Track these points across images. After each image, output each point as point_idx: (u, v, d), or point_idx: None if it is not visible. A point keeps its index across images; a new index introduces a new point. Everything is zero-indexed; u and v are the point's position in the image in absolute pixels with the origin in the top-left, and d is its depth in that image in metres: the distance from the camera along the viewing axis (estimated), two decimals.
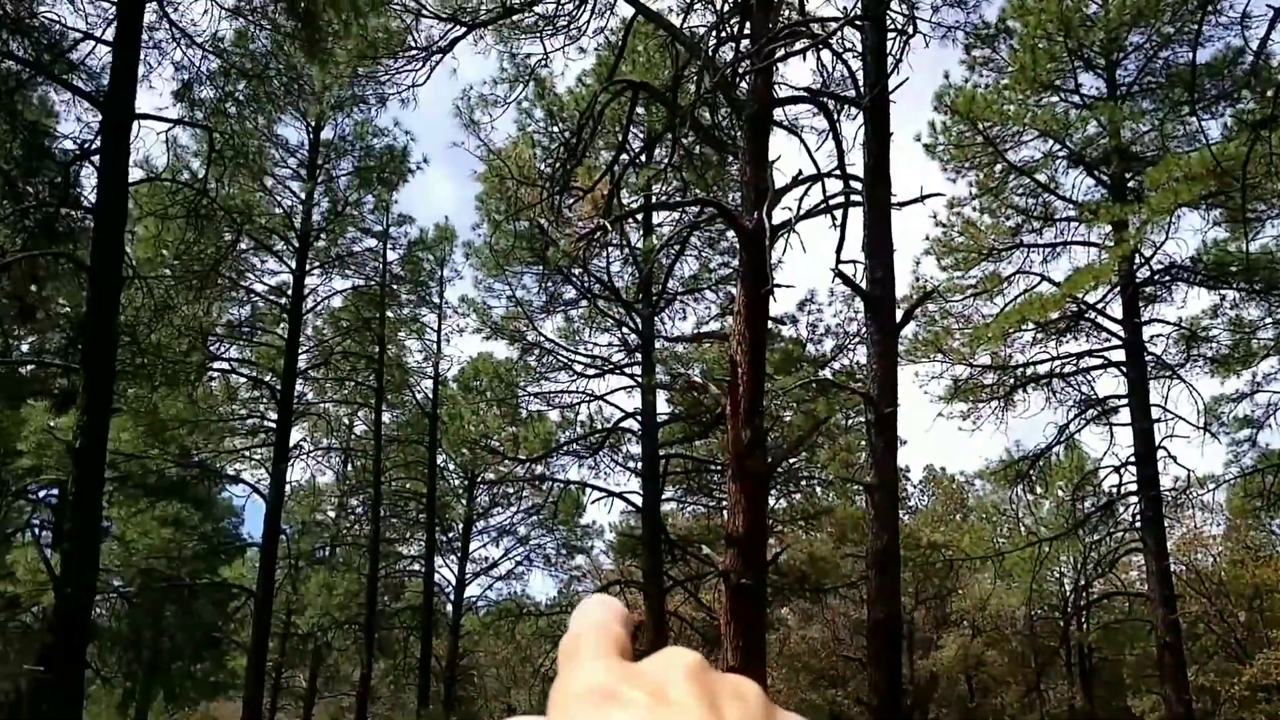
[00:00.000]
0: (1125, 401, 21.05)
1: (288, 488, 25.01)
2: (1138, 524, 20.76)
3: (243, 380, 25.09)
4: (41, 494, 25.87)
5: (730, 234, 19.41)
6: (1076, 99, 21.29)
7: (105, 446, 12.29)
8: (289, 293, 23.44)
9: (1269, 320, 21.07)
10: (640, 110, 18.38)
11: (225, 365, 24.62)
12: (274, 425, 23.19)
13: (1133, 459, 20.36)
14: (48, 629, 16.94)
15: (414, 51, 13.50)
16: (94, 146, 14.15)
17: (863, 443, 18.70)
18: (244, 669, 23.56)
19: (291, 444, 23.87)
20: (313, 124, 23.35)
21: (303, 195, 23.38)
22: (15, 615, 25.01)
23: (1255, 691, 21.97)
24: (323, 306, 25.42)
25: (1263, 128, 14.10)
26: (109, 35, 13.59)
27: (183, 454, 23.02)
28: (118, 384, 17.65)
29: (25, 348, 25.36)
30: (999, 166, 21.68)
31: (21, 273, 17.96)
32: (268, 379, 24.05)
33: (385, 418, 27.43)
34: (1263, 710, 21.61)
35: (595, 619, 0.46)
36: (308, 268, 23.74)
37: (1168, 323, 21.34)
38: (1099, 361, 21.86)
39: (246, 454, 25.13)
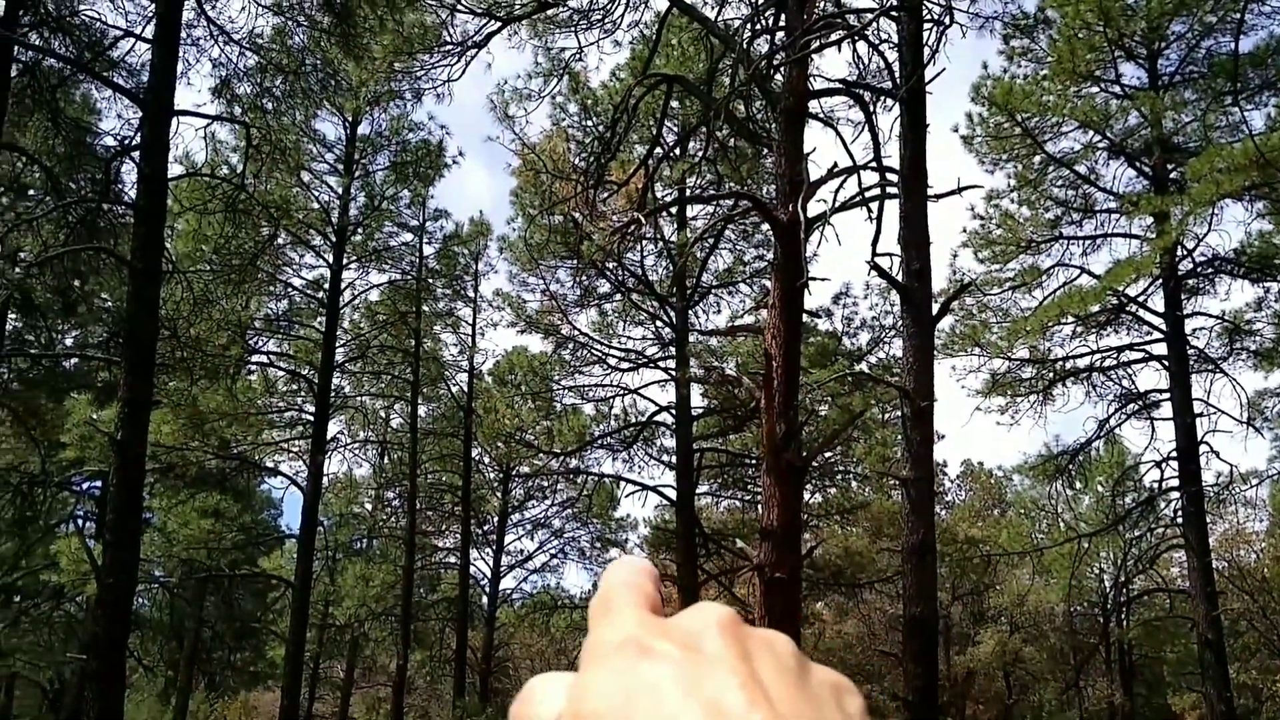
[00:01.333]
0: (1167, 396, 20.77)
1: (325, 480, 25.19)
2: (1179, 520, 20.48)
3: (281, 373, 25.31)
4: (85, 486, 26.25)
5: (765, 227, 19.34)
6: (1117, 89, 21.00)
7: (146, 439, 12.44)
8: (326, 287, 23.61)
9: None
10: (674, 103, 18.37)
11: (264, 359, 24.87)
12: (311, 418, 23.38)
13: (1174, 454, 20.10)
14: (91, 618, 17.21)
15: (449, 46, 13.54)
16: (134, 142, 14.32)
17: (899, 437, 18.57)
18: (282, 659, 23.80)
19: (329, 436, 24.07)
20: (349, 119, 23.50)
21: (340, 190, 23.55)
22: (60, 605, 25.43)
23: None
24: (359, 300, 25.60)
25: None
26: (148, 32, 13.74)
27: (222, 446, 23.26)
28: (158, 377, 17.86)
29: (69, 341, 25.73)
30: (1038, 158, 21.43)
31: (64, 268, 18.24)
32: (305, 372, 24.25)
33: (421, 411, 27.58)
34: None
35: (624, 577, 0.46)
36: (345, 262, 23.91)
37: (1210, 316, 21.06)
38: (1140, 355, 21.58)
39: (284, 446, 25.35)
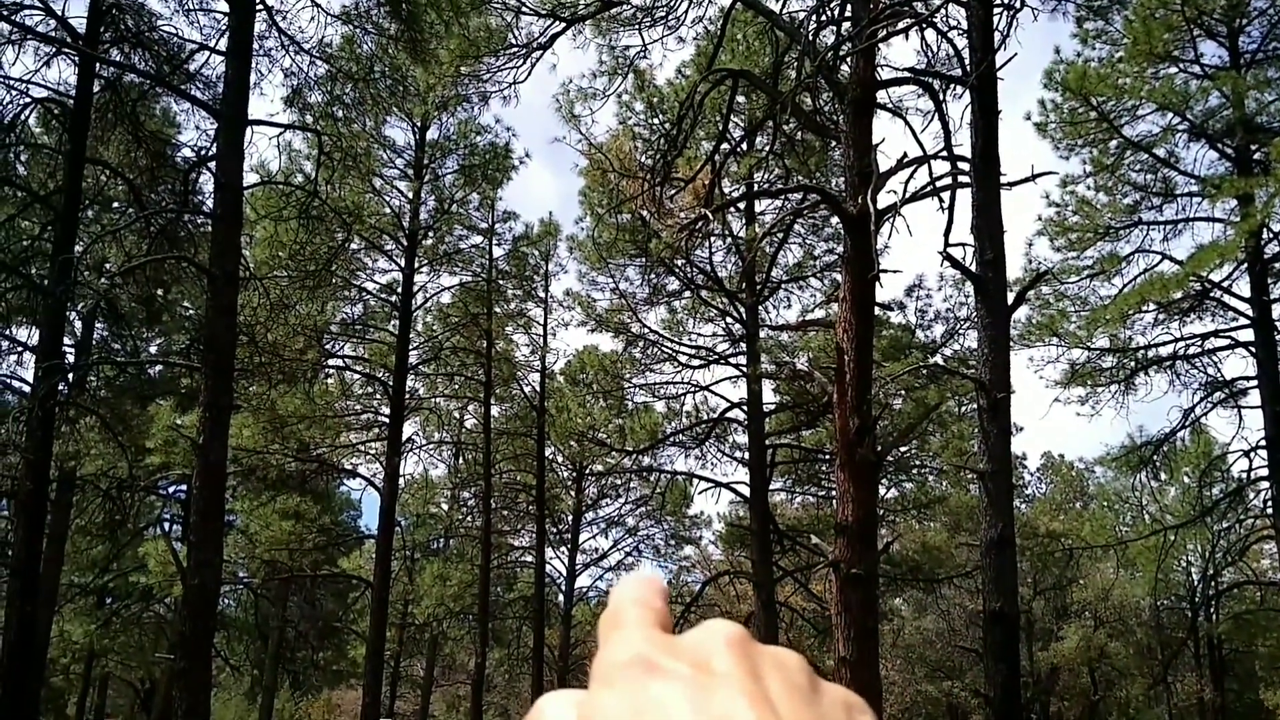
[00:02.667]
0: (1254, 383, 20.20)
1: (401, 481, 25.56)
2: (1269, 510, 19.91)
3: (357, 376, 25.71)
4: (171, 490, 26.92)
5: (834, 220, 19.18)
6: (1196, 69, 20.43)
7: (227, 443, 12.72)
8: (399, 290, 23.91)
9: None
10: (740, 98, 18.27)
11: (339, 362, 25.28)
12: (387, 420, 23.69)
13: (1263, 443, 19.53)
14: (179, 619, 17.65)
15: (514, 49, 13.62)
16: (211, 153, 14.65)
17: (975, 429, 18.30)
18: (363, 658, 24.17)
19: (404, 438, 24.37)
20: (418, 124, 23.76)
21: (410, 194, 23.82)
22: (149, 606, 26.11)
23: None
24: (432, 303, 25.86)
25: None
26: (223, 45, 14.06)
27: (301, 449, 23.65)
28: (238, 382, 18.26)
29: (153, 349, 26.42)
30: (1114, 142, 20.95)
31: (147, 277, 18.74)
32: (380, 375, 24.58)
33: (494, 411, 27.82)
34: None
35: (633, 594, 0.46)
36: (417, 265, 24.17)
37: None
38: (1226, 342, 20.99)
39: (362, 448, 25.71)
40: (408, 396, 24.62)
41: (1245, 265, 19.78)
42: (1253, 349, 20.08)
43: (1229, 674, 29.69)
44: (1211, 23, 20.17)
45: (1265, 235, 19.43)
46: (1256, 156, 19.70)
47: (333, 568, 26.61)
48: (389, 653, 29.25)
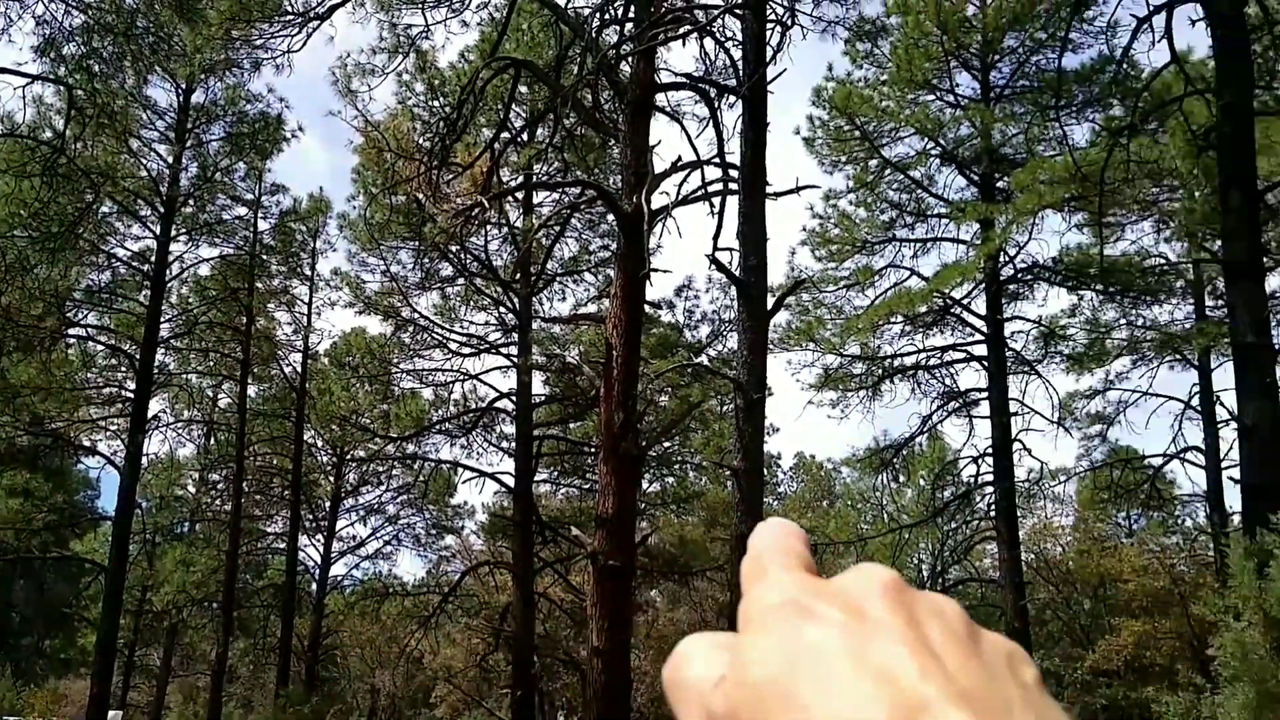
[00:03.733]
0: (985, 395, 21.76)
1: (145, 460, 24.11)
2: (992, 513, 21.50)
3: (100, 348, 24.17)
4: None
5: (610, 217, 19.43)
6: (951, 99, 21.88)
7: None
8: (152, 259, 22.59)
9: (1123, 322, 22.10)
10: (523, 89, 18.23)
11: (82, 331, 23.67)
12: (132, 395, 22.39)
13: (990, 450, 21.08)
14: None
15: (290, 16, 13.11)
16: None
17: (735, 428, 18.97)
18: (94, 646, 22.72)
19: (150, 415, 23.07)
20: (183, 86, 22.52)
21: (170, 159, 22.53)
22: None
23: (1097, 676, 23.00)
24: (188, 274, 24.71)
25: (1121, 135, 14.75)
26: None
27: (34, 422, 22.12)
28: None
29: None
30: (874, 162, 22.15)
31: None
32: (127, 347, 23.19)
33: (251, 391, 26.76)
34: (1103, 695, 22.66)
35: (774, 539, 0.45)
36: (173, 234, 22.93)
37: (1028, 320, 22.17)
38: (962, 355, 22.55)
39: (102, 424, 24.20)
40: (156, 371, 23.34)
41: (983, 285, 21.31)
42: (985, 363, 21.66)
43: None
44: (968, 56, 21.63)
45: (1002, 258, 20.99)
46: (1000, 185, 21.26)
47: (64, 550, 24.97)
48: (122, 641, 27.59)
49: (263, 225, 24.81)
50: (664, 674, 0.41)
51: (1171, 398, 22.33)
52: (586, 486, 25.18)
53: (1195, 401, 21.87)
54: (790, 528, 0.46)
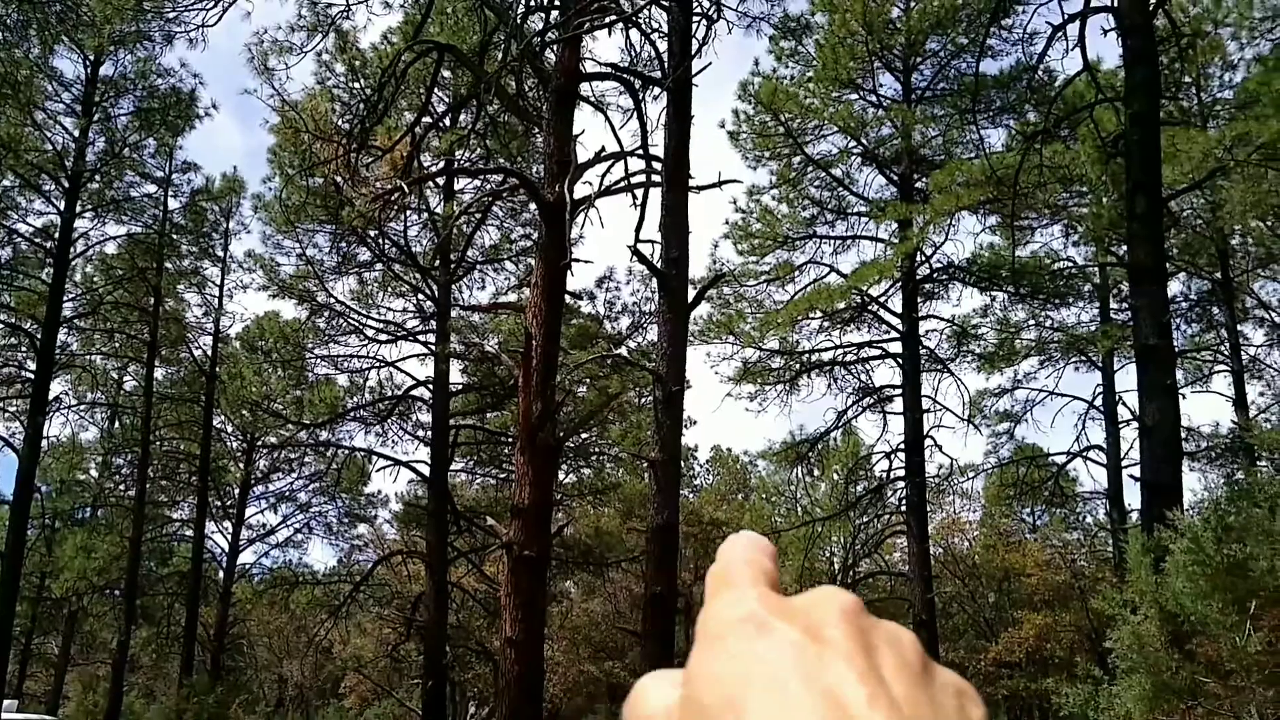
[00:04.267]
0: (899, 391, 22.12)
1: (44, 443, 23.33)
2: (903, 507, 21.87)
3: None
4: None
5: (532, 205, 19.29)
6: (874, 99, 22.16)
7: None
8: (56, 235, 21.85)
9: (1031, 322, 22.62)
10: (446, 73, 18.02)
11: None
12: (32, 375, 21.65)
13: (902, 446, 21.43)
14: None
15: None
16: None
17: (653, 420, 19.00)
18: None
19: (51, 397, 22.33)
20: (91, 58, 21.77)
21: (76, 133, 21.79)
22: None
23: (1000, 667, 23.59)
24: (93, 252, 23.96)
25: (1035, 140, 15.07)
26: None
27: None
28: None
29: None
30: (798, 158, 22.35)
31: None
32: (27, 326, 22.42)
33: (158, 374, 26.06)
34: (1005, 685, 23.23)
35: (744, 552, 0.45)
36: (79, 210, 22.19)
37: (941, 319, 22.61)
38: (878, 352, 22.89)
39: (0, 405, 23.36)
40: (58, 352, 22.58)
41: (900, 283, 21.65)
42: (900, 360, 22.02)
43: None
44: (891, 58, 21.92)
45: (919, 258, 21.34)
46: (919, 185, 21.60)
47: None
48: (19, 629, 26.71)
49: (173, 204, 24.18)
50: (623, 711, 0.41)
51: (1076, 398, 22.99)
52: (503, 476, 25.02)
53: (1098, 402, 22.52)
54: (761, 543, 0.46)
